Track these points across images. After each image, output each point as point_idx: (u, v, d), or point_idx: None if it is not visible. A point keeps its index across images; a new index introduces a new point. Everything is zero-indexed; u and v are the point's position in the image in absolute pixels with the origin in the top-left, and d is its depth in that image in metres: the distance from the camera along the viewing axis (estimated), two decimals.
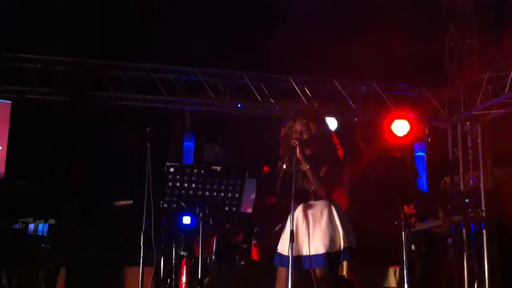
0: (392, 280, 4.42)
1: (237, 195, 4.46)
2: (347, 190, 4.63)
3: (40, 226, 4.22)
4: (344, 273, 4.34)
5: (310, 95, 7.69)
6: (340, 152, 3.94)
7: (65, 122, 7.65)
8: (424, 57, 8.18)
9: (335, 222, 3.74)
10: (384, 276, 4.45)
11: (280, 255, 3.84)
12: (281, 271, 3.73)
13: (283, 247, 3.81)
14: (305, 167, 3.73)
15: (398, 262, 4.23)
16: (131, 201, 5.46)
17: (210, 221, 5.50)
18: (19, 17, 7.22)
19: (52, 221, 4.16)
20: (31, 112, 7.30)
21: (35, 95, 7.17)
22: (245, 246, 5.87)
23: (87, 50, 7.35)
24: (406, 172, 5.06)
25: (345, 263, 4.24)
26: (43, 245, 4.31)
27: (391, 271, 4.44)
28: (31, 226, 4.21)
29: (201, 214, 4.38)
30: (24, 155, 7.05)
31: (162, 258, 5.58)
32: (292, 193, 3.63)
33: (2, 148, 6.64)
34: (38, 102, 7.19)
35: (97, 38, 7.40)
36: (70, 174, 5.81)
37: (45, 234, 4.46)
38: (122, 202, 5.44)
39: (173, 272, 5.66)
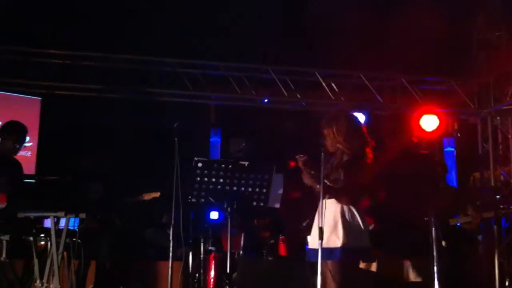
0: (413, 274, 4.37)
1: (264, 190, 4.44)
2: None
3: (71, 220, 4.27)
4: (373, 268, 4.31)
5: (336, 89, 7.63)
6: (369, 150, 3.94)
7: (93, 116, 7.74)
8: (453, 50, 8.06)
9: (337, 220, 3.80)
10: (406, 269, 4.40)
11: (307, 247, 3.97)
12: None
13: (310, 240, 3.94)
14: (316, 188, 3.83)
15: (420, 255, 4.19)
16: (158, 193, 5.48)
17: (238, 217, 5.50)
18: (47, 14, 7.30)
19: (83, 215, 4.20)
20: (59, 106, 7.39)
21: (64, 90, 7.25)
22: (272, 241, 5.87)
23: (114, 46, 7.41)
24: (436, 168, 4.98)
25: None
26: (74, 239, 4.35)
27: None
28: (63, 220, 4.26)
29: (228, 209, 4.38)
30: (53, 150, 7.15)
31: (190, 253, 5.61)
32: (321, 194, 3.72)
33: (32, 144, 6.74)
34: (66, 97, 7.28)
35: (124, 33, 7.44)
36: (99, 167, 5.86)
37: (76, 228, 4.51)
38: (152, 194, 5.47)
39: (202, 267, 5.68)
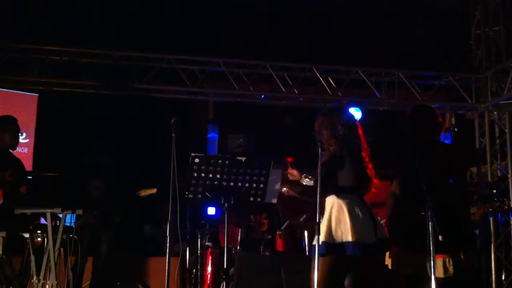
0: (439, 270, 4.27)
1: (261, 185, 4.43)
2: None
3: (68, 216, 4.27)
4: (388, 262, 4.28)
5: (334, 85, 7.63)
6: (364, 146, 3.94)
7: (90, 113, 7.74)
8: (450, 45, 8.06)
9: (336, 216, 3.81)
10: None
11: None
12: None
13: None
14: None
15: (447, 251, 4.09)
16: (155, 190, 5.48)
17: (236, 212, 5.51)
18: (45, 10, 7.30)
19: (80, 212, 4.20)
20: (57, 102, 7.39)
21: (61, 87, 7.24)
22: (269, 236, 5.88)
23: (112, 42, 7.40)
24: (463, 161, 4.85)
25: (388, 253, 4.22)
26: (71, 235, 4.36)
27: (439, 261, 4.28)
28: (59, 217, 4.27)
29: (226, 205, 4.38)
30: (51, 146, 7.16)
31: (187, 248, 5.61)
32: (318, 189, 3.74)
33: (29, 141, 6.75)
34: (64, 94, 7.27)
35: (122, 29, 7.45)
36: (96, 163, 5.86)
37: (73, 224, 4.51)
38: (148, 191, 5.47)
39: (199, 262, 5.69)
